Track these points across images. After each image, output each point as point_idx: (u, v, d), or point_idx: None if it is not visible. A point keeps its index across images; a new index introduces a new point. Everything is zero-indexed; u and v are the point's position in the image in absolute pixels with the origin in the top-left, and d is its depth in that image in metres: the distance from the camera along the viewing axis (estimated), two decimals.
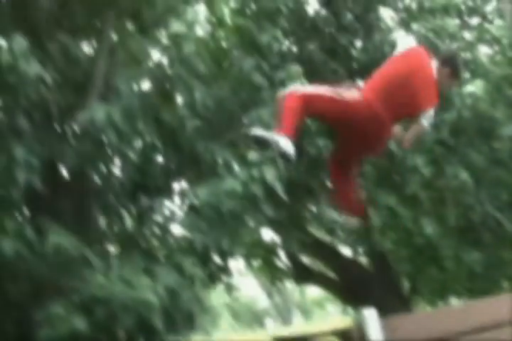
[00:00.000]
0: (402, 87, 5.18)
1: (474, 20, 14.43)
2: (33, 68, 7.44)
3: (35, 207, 8.19)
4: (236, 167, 9.59)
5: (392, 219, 12.33)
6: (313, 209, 12.98)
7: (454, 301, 17.42)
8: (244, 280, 26.96)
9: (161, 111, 9.23)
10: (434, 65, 5.35)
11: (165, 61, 9.25)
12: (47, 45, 8.53)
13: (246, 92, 10.17)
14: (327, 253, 15.00)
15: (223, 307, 33.87)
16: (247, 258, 14.29)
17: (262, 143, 4.94)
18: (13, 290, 7.48)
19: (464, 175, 11.37)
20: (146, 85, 9.25)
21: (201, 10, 11.60)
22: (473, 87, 11.50)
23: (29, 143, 7.64)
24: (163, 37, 10.00)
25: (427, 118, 5.26)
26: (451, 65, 5.38)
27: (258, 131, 5.01)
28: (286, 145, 4.87)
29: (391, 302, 13.33)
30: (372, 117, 5.11)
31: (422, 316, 10.33)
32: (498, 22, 13.58)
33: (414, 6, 13.85)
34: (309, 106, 5.04)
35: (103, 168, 8.70)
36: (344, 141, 5.51)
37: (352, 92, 5.21)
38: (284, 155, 4.88)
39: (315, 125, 10.77)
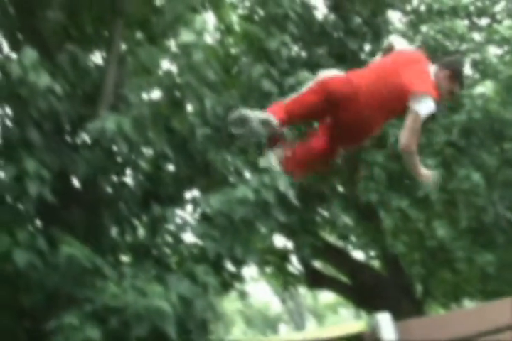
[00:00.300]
0: (391, 75, 4.85)
1: (483, 21, 14.41)
2: (43, 80, 7.47)
3: (47, 218, 8.23)
4: (247, 174, 9.62)
5: (404, 222, 12.34)
6: (325, 214, 13.01)
7: (467, 303, 17.41)
8: (256, 286, 26.96)
9: (171, 119, 9.27)
10: (432, 67, 5.09)
11: (174, 69, 9.25)
12: (56, 56, 8.55)
13: (255, 99, 10.19)
14: (339, 257, 15.01)
15: (236, 314, 33.86)
16: (260, 264, 14.33)
17: (242, 122, 4.63)
18: (26, 300, 7.50)
19: (476, 177, 11.36)
20: (156, 94, 9.28)
21: (209, 17, 11.66)
22: (483, 88, 11.48)
23: (40, 154, 7.67)
24: (172, 45, 10.00)
25: (420, 104, 4.71)
26: (451, 68, 5.04)
27: (237, 112, 4.73)
28: (268, 115, 4.62)
29: (404, 306, 13.33)
30: (353, 95, 4.77)
31: (436, 319, 10.39)
32: (507, 22, 13.53)
33: (422, 8, 13.83)
34: (291, 111, 4.83)
35: (114, 178, 8.72)
36: (333, 128, 5.15)
37: (336, 72, 4.96)
38: (265, 122, 4.60)
39: None
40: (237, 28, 12.20)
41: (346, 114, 4.80)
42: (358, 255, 16.04)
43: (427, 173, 5.07)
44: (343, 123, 4.91)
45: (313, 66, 11.65)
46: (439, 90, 4.90)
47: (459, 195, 11.89)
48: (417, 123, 4.72)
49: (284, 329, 39.02)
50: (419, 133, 4.79)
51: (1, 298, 7.35)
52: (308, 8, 12.42)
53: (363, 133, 5.06)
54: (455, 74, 4.99)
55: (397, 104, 4.82)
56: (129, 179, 8.96)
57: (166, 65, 9.68)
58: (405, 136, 4.75)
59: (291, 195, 9.06)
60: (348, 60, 12.56)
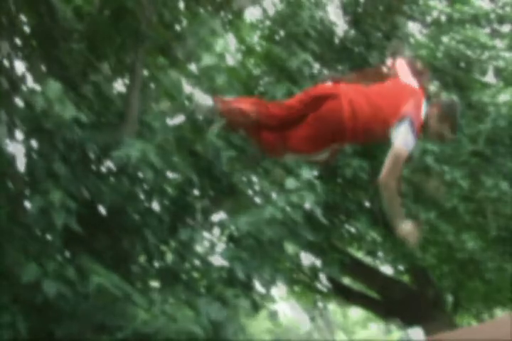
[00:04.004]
0: (380, 98, 4.74)
1: (505, 28, 14.34)
2: (68, 111, 7.49)
3: (74, 247, 8.28)
4: (274, 195, 9.65)
5: (433, 235, 12.30)
6: (352, 230, 12.99)
7: (499, 312, 17.30)
8: (285, 304, 26.88)
9: (196, 143, 9.32)
10: (425, 104, 4.89)
11: (197, 93, 9.30)
12: (80, 87, 8.64)
13: None
14: (368, 273, 15.01)
15: (265, 333, 33.69)
16: (289, 283, 14.33)
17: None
18: (57, 330, 7.53)
19: (504, 185, 11.31)
20: (179, 118, 9.33)
21: (230, 39, 11.69)
22: (508, 96, 11.43)
23: (66, 185, 7.73)
24: (194, 69, 10.06)
25: (398, 129, 4.48)
26: (444, 107, 4.83)
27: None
28: (206, 101, 4.82)
29: (435, 318, 13.29)
30: (336, 94, 4.72)
31: (467, 331, 10.38)
32: None
33: (443, 18, 13.78)
34: (267, 110, 4.86)
35: (141, 205, 8.76)
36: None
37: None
38: (197, 106, 4.87)
39: (350, 147, 10.80)
40: (258, 48, 12.25)
41: (323, 110, 4.67)
42: (386, 270, 16.02)
43: (408, 228, 4.48)
44: (316, 119, 4.76)
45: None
46: (425, 126, 4.72)
47: (487, 204, 11.84)
48: (397, 158, 4.45)
49: None
50: (399, 170, 4.49)
51: (32, 329, 7.38)
52: (328, 25, 12.46)
53: (329, 134, 4.85)
54: (446, 114, 4.74)
55: (375, 126, 4.66)
56: (155, 204, 9.00)
57: (189, 88, 9.76)
58: (384, 170, 4.45)
59: (318, 213, 9.08)
60: None
